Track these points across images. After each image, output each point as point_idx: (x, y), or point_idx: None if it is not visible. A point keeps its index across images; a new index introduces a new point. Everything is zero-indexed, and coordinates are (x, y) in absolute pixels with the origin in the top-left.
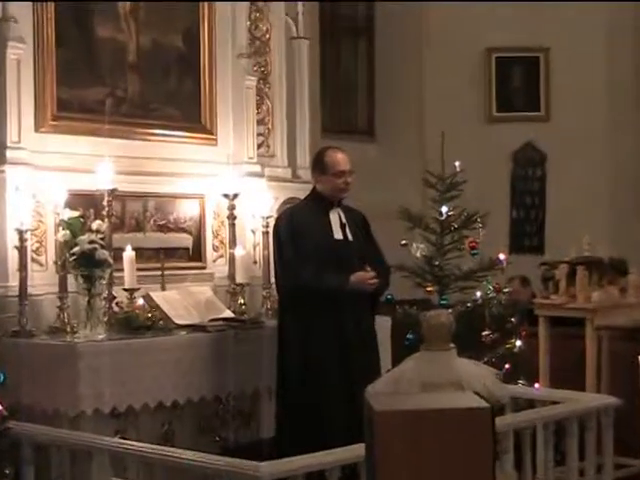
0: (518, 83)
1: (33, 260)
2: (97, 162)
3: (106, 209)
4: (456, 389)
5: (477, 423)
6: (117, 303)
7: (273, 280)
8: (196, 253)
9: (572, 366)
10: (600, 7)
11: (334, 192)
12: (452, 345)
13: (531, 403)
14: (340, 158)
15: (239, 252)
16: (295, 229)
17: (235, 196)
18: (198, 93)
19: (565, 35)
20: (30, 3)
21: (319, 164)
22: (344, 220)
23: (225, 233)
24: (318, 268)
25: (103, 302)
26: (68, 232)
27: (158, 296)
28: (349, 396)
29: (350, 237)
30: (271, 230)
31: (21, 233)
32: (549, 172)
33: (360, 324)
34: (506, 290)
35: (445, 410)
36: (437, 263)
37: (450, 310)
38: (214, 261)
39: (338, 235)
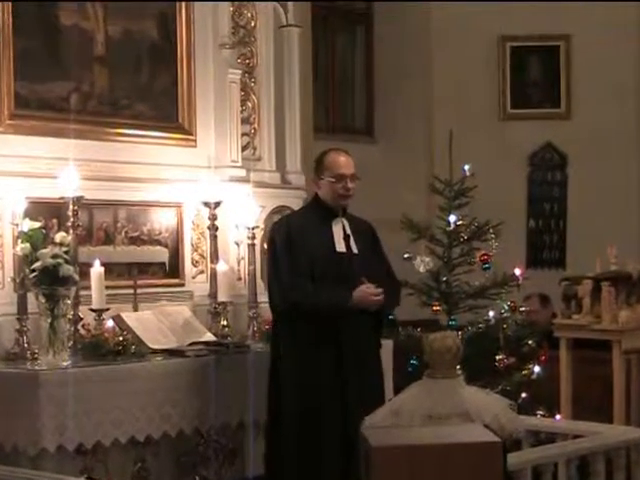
0: (536, 76)
1: None
2: (61, 166)
3: (71, 219)
4: (463, 421)
5: (486, 459)
6: (84, 325)
7: (260, 299)
8: (173, 268)
9: (598, 395)
10: None
11: (333, 198)
12: (459, 371)
13: (552, 437)
14: (342, 161)
15: (221, 267)
16: (292, 240)
17: (217, 204)
18: (175, 88)
19: (589, 20)
20: None
21: (319, 166)
22: (348, 231)
23: (206, 246)
24: (317, 284)
25: (68, 324)
26: (28, 245)
27: (130, 317)
28: (350, 432)
29: (355, 249)
30: (257, 242)
31: None
32: (571, 176)
33: (363, 349)
34: (522, 309)
35: (450, 445)
36: (444, 279)
37: (459, 332)
38: (193, 277)
39: (340, 247)
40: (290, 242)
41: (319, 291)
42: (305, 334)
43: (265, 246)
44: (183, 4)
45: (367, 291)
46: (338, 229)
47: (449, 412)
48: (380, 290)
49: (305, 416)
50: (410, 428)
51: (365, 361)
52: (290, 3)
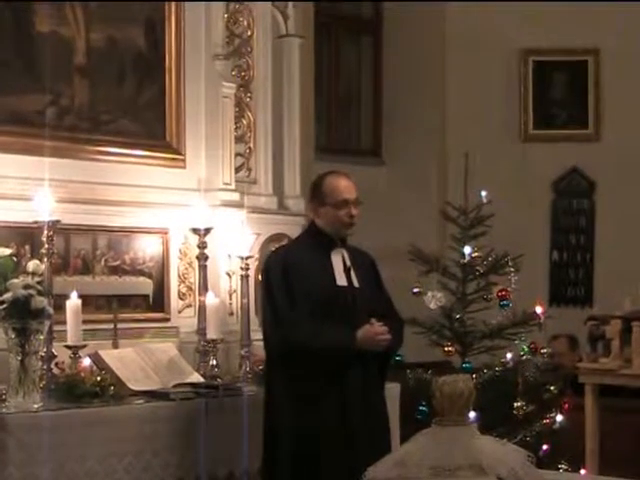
0: (561, 93)
1: None
2: (35, 187)
3: (45, 246)
4: (475, 474)
5: None
6: (57, 364)
7: (254, 336)
8: (157, 302)
9: (627, 447)
10: None
11: (336, 227)
12: (471, 419)
13: None
14: (343, 185)
15: (211, 301)
16: (289, 274)
17: (207, 231)
18: (162, 103)
19: (620, 33)
20: None
21: (317, 192)
22: (349, 263)
23: (194, 277)
24: (317, 323)
25: (40, 362)
26: None
27: (109, 355)
28: None
29: (356, 283)
30: (252, 273)
31: None
32: (599, 204)
33: (369, 398)
34: (544, 351)
35: None
36: (458, 317)
37: (474, 375)
38: (180, 312)
39: (341, 281)
40: (287, 276)
41: (320, 331)
42: (304, 380)
43: (260, 278)
44: (173, 10)
45: (373, 330)
46: (338, 261)
47: (459, 463)
48: (386, 329)
49: (305, 477)
50: None
51: (372, 410)
52: (291, 8)
